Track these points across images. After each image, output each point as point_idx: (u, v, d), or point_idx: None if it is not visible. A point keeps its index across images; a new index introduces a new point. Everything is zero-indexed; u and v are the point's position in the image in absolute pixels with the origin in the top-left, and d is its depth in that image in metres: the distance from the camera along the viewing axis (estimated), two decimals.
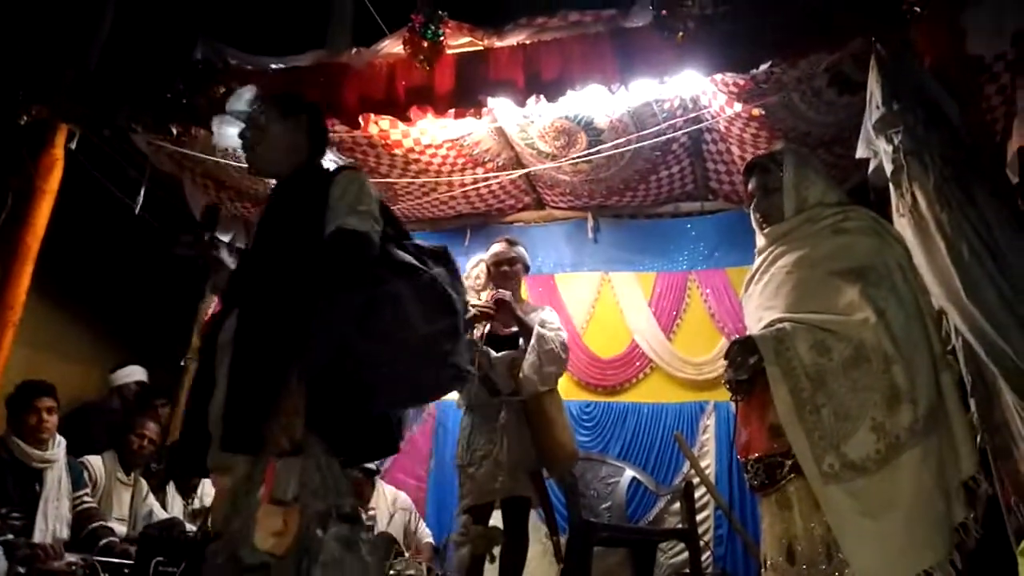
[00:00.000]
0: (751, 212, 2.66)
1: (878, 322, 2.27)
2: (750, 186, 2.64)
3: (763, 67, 3.34)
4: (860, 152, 3.13)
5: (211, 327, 2.14)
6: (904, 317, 2.32)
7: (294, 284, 1.92)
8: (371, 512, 4.55)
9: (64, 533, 3.62)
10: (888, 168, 2.88)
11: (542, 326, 3.57)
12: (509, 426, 3.47)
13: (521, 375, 3.48)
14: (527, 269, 3.93)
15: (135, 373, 5.07)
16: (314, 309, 1.85)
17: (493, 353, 3.56)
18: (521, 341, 3.58)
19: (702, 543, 4.17)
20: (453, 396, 3.82)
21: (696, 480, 4.33)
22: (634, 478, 4.35)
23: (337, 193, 2.02)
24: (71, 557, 3.31)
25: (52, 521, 3.59)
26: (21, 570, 3.09)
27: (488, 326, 3.63)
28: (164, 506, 4.33)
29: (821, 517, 2.21)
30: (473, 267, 4.03)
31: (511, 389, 3.52)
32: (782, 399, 2.27)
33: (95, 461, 4.04)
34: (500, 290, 3.68)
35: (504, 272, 3.75)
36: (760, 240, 2.64)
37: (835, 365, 2.27)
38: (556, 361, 3.52)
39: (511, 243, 3.89)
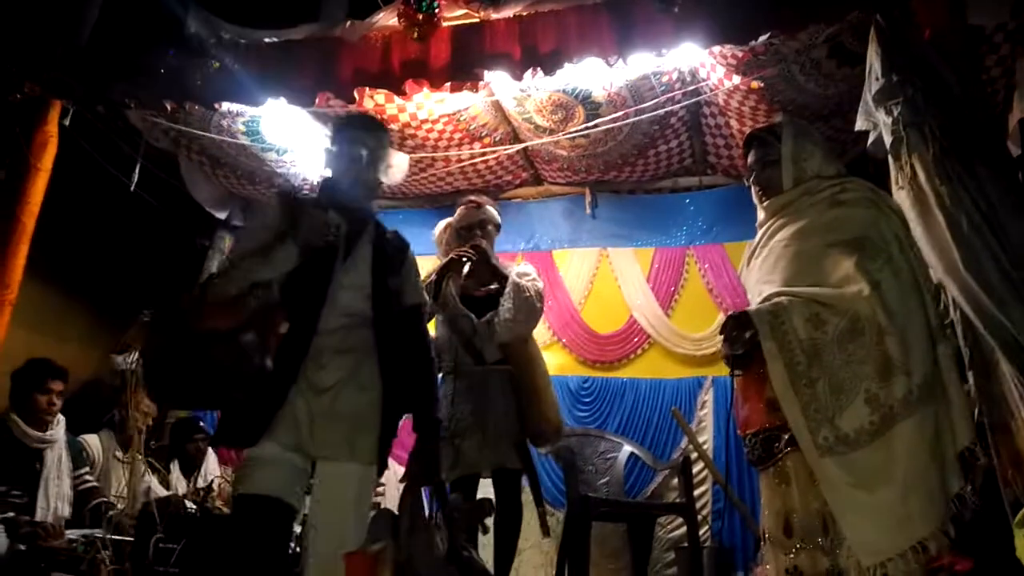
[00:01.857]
0: (751, 185, 2.64)
1: (871, 294, 2.27)
2: (749, 159, 2.63)
3: (762, 38, 3.29)
4: (859, 124, 3.10)
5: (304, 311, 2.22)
6: (899, 289, 2.32)
7: (413, 337, 2.41)
8: (380, 489, 4.57)
9: (65, 511, 3.64)
10: (887, 140, 2.86)
11: (519, 277, 3.51)
12: (495, 396, 3.40)
13: (496, 321, 3.40)
14: (498, 228, 3.76)
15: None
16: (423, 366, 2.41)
17: (475, 319, 3.47)
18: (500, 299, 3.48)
19: (700, 517, 4.20)
20: None
21: (694, 455, 4.35)
22: (632, 453, 4.37)
23: (411, 267, 2.49)
24: (72, 534, 3.32)
25: (53, 499, 3.61)
26: (22, 548, 3.10)
27: (465, 273, 3.45)
28: (167, 484, 4.35)
29: (818, 491, 2.22)
30: (442, 231, 3.81)
31: (496, 358, 3.44)
32: (777, 374, 2.28)
33: (92, 440, 4.06)
34: (479, 239, 3.56)
35: (476, 236, 3.61)
36: (760, 213, 2.63)
37: (830, 338, 2.27)
38: (531, 309, 3.44)
39: (477, 205, 3.72)
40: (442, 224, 3.84)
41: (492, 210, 3.74)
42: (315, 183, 3.49)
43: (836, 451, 2.18)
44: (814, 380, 2.24)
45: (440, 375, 3.60)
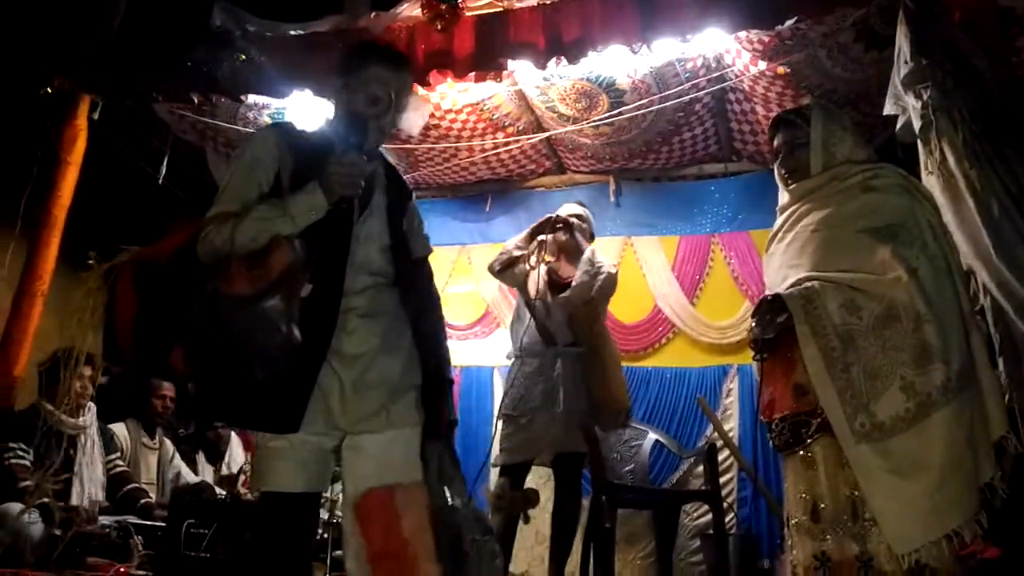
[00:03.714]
0: (776, 168, 2.62)
1: (910, 281, 2.25)
2: (776, 141, 2.60)
3: (788, 23, 3.27)
4: (888, 109, 3.07)
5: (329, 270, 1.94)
6: (935, 276, 2.30)
7: (424, 293, 2.17)
8: None
9: (99, 496, 3.70)
10: (916, 124, 2.83)
11: (592, 254, 3.65)
12: (565, 378, 3.42)
13: (573, 283, 3.50)
14: (591, 237, 3.88)
15: None
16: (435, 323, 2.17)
17: (550, 300, 3.53)
18: None
19: (725, 505, 4.19)
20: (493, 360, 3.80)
21: (719, 443, 4.34)
22: (657, 441, 4.37)
23: (415, 215, 2.20)
24: (105, 520, 3.39)
25: (88, 485, 3.67)
26: (57, 532, 3.17)
27: (555, 241, 3.64)
28: (194, 472, 4.42)
29: (847, 476, 2.20)
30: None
31: (568, 340, 3.48)
32: (812, 358, 2.26)
33: (119, 429, 4.11)
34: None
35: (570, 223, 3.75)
36: (784, 197, 2.61)
37: (865, 324, 2.26)
38: (601, 275, 3.54)
39: (583, 204, 3.92)
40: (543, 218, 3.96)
41: (591, 217, 3.89)
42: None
43: (872, 437, 2.17)
44: (849, 365, 2.23)
45: (510, 359, 3.69)
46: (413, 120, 2.15)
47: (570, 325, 3.50)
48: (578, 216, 3.78)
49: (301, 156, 1.96)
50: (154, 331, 1.87)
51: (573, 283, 3.53)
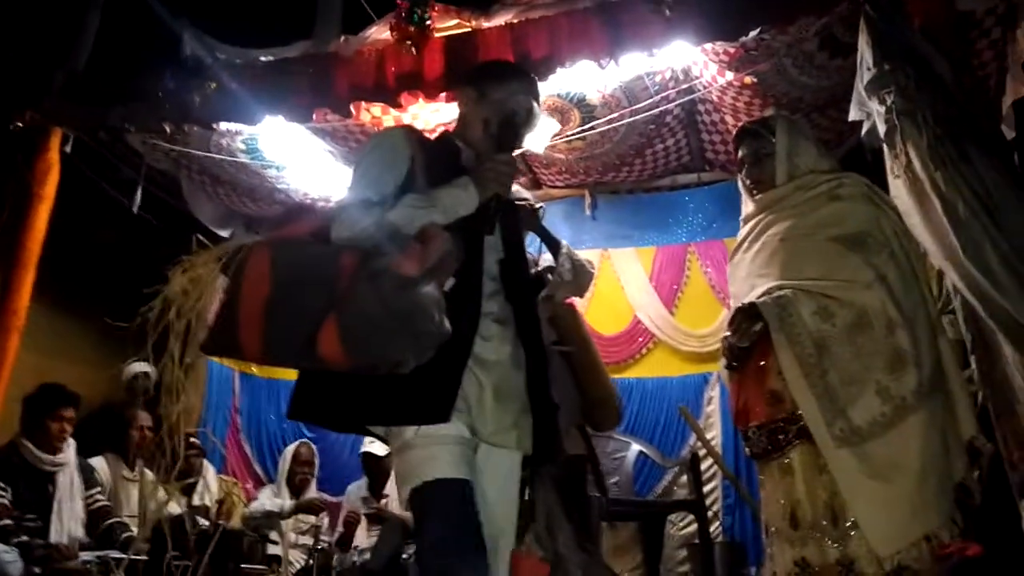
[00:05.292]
0: (741, 178, 2.66)
1: (880, 287, 2.29)
2: (741, 152, 2.64)
3: (752, 34, 3.31)
4: (853, 115, 3.11)
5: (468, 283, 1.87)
6: (903, 282, 2.34)
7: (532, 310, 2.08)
8: (386, 495, 4.58)
9: (79, 533, 3.66)
10: (881, 129, 2.86)
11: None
12: (554, 379, 3.30)
13: (556, 276, 3.29)
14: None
15: (134, 368, 4.86)
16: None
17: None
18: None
19: (710, 513, 4.20)
20: None
21: (702, 451, 4.35)
22: (641, 452, 4.37)
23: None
24: (85, 556, 3.35)
25: (67, 521, 3.62)
26: (37, 570, 3.13)
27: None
28: (178, 503, 4.36)
29: (825, 482, 2.22)
30: None
31: (552, 339, 3.29)
32: (789, 366, 2.29)
33: (98, 463, 4.06)
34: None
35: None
36: (748, 207, 2.65)
37: (838, 331, 2.29)
38: (585, 272, 3.38)
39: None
40: None
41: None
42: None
43: (851, 442, 2.20)
44: (825, 371, 2.26)
45: None
46: (536, 139, 2.07)
47: (552, 323, 3.42)
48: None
49: (429, 155, 1.95)
50: (293, 313, 1.70)
51: (557, 275, 3.32)
